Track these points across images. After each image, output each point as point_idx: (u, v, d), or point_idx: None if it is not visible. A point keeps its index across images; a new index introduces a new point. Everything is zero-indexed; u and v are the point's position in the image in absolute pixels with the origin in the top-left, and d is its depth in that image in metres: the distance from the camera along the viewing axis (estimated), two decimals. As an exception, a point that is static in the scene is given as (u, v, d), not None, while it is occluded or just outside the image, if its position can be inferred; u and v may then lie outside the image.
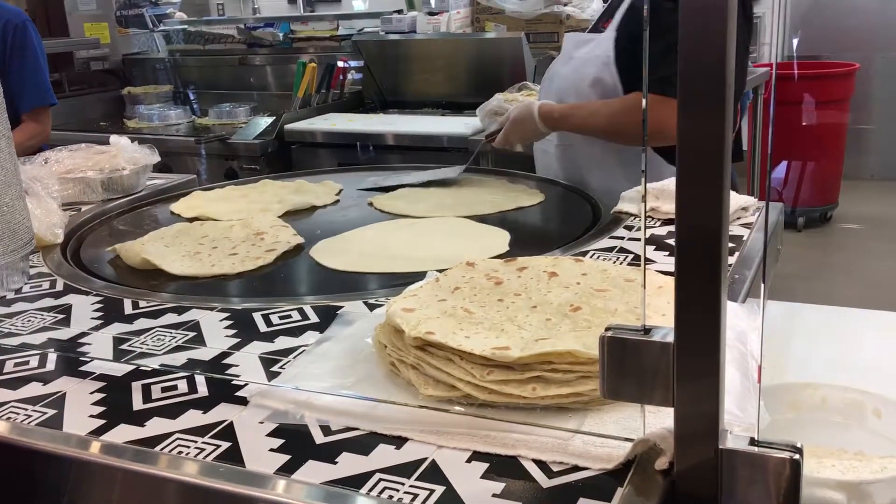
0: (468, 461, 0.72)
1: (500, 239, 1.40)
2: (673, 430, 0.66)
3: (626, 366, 0.66)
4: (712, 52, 0.57)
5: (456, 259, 1.06)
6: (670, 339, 0.65)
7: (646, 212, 1.41)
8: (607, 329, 0.66)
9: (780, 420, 0.88)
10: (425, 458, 0.73)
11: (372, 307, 1.09)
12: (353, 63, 3.75)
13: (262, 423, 0.80)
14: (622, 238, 1.34)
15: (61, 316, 1.11)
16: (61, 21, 4.00)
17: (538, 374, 0.77)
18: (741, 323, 0.93)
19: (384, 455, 0.74)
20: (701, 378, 0.64)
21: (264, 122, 3.33)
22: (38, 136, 2.52)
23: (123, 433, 0.80)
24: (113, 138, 1.84)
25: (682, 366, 0.64)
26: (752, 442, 0.64)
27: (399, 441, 0.76)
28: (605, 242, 1.32)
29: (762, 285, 0.72)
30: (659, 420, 0.70)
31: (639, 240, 1.31)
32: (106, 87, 4.21)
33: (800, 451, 0.62)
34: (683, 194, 0.61)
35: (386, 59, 3.68)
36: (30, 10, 3.88)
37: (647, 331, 0.66)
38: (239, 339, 1.00)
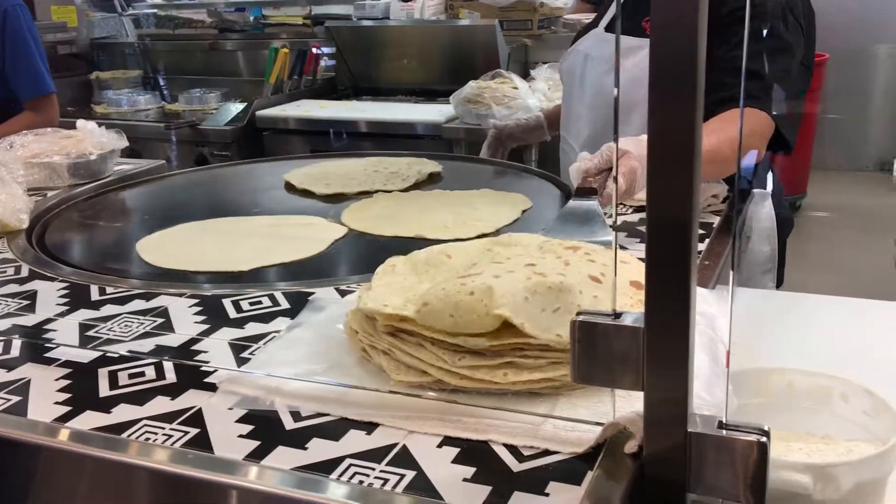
0: (439, 446, 0.72)
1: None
2: (643, 413, 0.66)
3: (597, 350, 0.66)
4: (684, 46, 0.57)
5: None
6: (640, 323, 0.65)
7: (617, 199, 1.42)
8: (578, 314, 0.66)
9: (748, 405, 0.89)
10: (396, 444, 0.73)
11: (343, 293, 1.08)
12: (325, 49, 3.72)
13: (231, 409, 0.80)
14: (594, 225, 1.34)
15: (26, 302, 1.09)
16: (27, 3, 3.92)
17: (510, 359, 0.77)
18: (711, 308, 0.93)
19: (355, 440, 0.73)
20: (670, 362, 0.64)
21: (235, 108, 3.29)
22: (39, 125, 2.45)
23: (90, 420, 0.79)
24: (80, 123, 1.81)
25: (652, 350, 0.64)
26: (721, 425, 0.64)
27: (370, 427, 0.76)
28: (578, 229, 1.32)
29: (731, 272, 0.72)
30: (629, 404, 0.70)
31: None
32: (73, 71, 4.14)
33: (767, 433, 0.62)
34: (654, 183, 0.61)
35: (359, 45, 3.65)
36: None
37: (617, 315, 0.66)
38: (208, 326, 0.99)
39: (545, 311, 0.77)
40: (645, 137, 0.58)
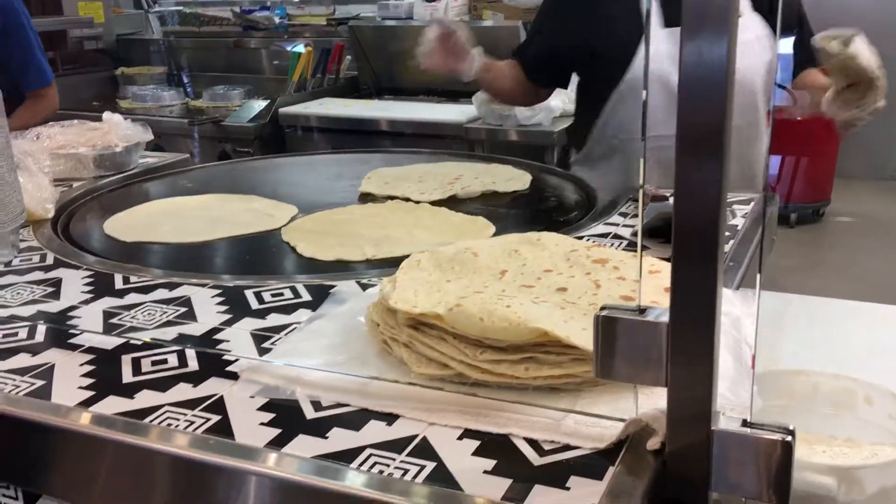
0: (459, 438, 0.72)
1: (481, 226, 1.36)
2: (666, 410, 0.66)
3: (620, 346, 0.66)
4: (714, 45, 0.57)
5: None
6: (665, 319, 0.64)
7: (643, 193, 1.41)
8: (602, 308, 0.66)
9: (771, 406, 0.88)
10: (416, 435, 0.72)
11: (364, 287, 1.08)
12: (348, 48, 3.73)
13: (252, 397, 0.80)
14: (617, 224, 1.33)
15: (51, 289, 1.10)
16: (55, -2, 3.97)
17: (531, 354, 0.77)
18: (735, 310, 0.92)
19: (375, 431, 0.73)
20: (695, 359, 0.64)
21: (258, 105, 3.31)
22: (42, 112, 2.48)
23: (112, 405, 0.79)
24: (106, 115, 1.82)
25: (676, 346, 0.64)
26: (745, 424, 0.64)
27: (390, 418, 0.76)
28: (600, 229, 1.31)
29: (758, 274, 0.72)
30: (652, 401, 0.70)
31: (633, 226, 1.31)
32: (99, 67, 4.18)
33: (792, 433, 0.62)
34: (682, 177, 0.61)
35: (382, 44, 3.66)
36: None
37: (641, 311, 0.66)
38: (230, 316, 1.00)
39: (586, 330, 0.76)
40: None
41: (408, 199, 1.52)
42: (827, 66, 1.52)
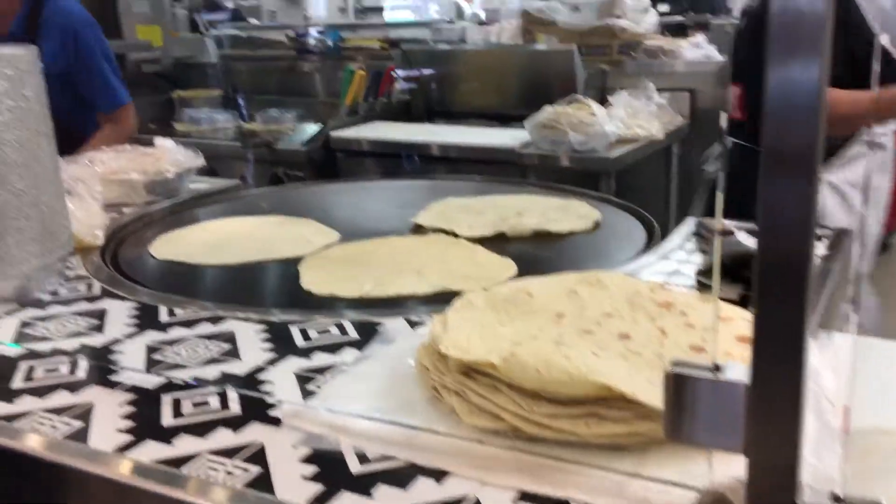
0: (514, 501, 0.66)
1: (499, 268, 1.29)
2: (744, 480, 0.59)
3: (693, 406, 0.60)
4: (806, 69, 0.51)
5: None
6: (744, 378, 0.58)
7: (720, 229, 1.35)
8: (673, 364, 0.60)
9: (853, 469, 0.81)
10: (467, 496, 0.67)
11: (413, 324, 1.04)
12: (400, 72, 3.73)
13: (295, 446, 0.76)
14: (679, 261, 1.27)
15: (96, 321, 1.08)
16: (115, 23, 4.05)
17: (592, 409, 0.71)
18: (812, 359, 0.85)
19: (424, 489, 0.68)
20: (778, 424, 0.58)
21: (311, 128, 3.32)
22: (115, 136, 2.45)
23: (151, 450, 0.76)
24: (158, 140, 1.83)
25: (757, 409, 0.58)
26: (835, 498, 0.57)
27: (440, 474, 0.71)
28: (661, 266, 1.25)
29: (850, 313, 0.65)
30: (727, 467, 0.64)
31: (697, 263, 1.24)
32: (156, 90, 4.25)
33: (889, 511, 0.55)
34: (769, 206, 0.54)
35: (434, 68, 3.65)
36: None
37: (717, 368, 0.60)
38: (275, 355, 0.96)
39: (652, 384, 0.70)
40: None
41: (454, 234, 1.47)
42: None
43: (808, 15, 0.50)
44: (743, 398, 0.58)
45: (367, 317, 1.07)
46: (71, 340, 1.02)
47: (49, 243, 1.16)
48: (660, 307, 0.87)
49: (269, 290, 1.32)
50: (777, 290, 0.55)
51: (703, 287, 1.15)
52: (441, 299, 1.06)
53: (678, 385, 0.60)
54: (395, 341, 0.97)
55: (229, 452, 0.75)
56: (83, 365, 0.95)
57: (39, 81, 1.17)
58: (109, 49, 2.57)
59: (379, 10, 6.33)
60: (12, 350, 1.00)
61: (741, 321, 0.83)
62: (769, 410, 0.58)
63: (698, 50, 3.39)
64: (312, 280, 1.25)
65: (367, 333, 1.01)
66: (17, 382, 0.91)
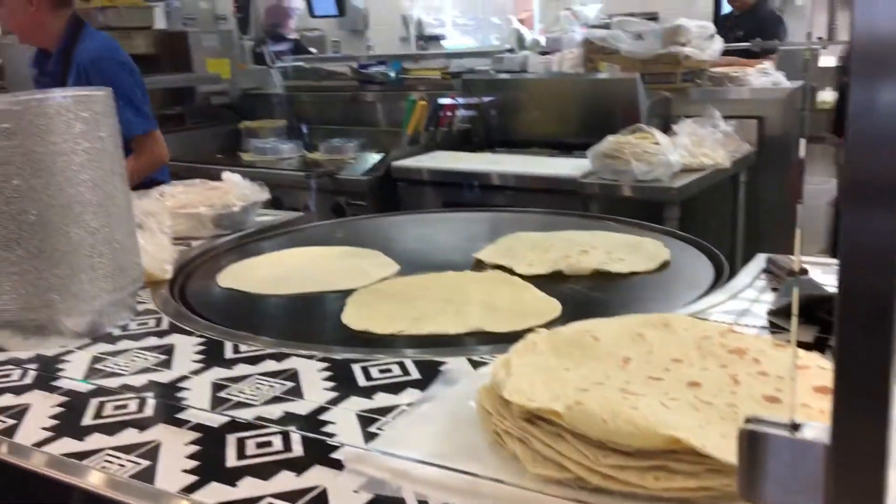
0: (580, 557, 0.65)
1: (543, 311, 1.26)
2: (824, 544, 0.57)
3: (769, 465, 0.58)
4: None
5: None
6: (824, 438, 0.56)
7: (778, 265, 1.31)
8: (747, 421, 0.58)
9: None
10: (532, 549, 0.66)
11: (476, 364, 1.03)
12: (462, 101, 3.75)
13: (357, 491, 0.75)
14: (750, 300, 1.23)
15: (163, 357, 1.10)
16: (186, 57, 4.18)
17: (661, 462, 0.69)
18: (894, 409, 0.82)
19: (487, 542, 0.67)
20: (860, 485, 0.55)
21: (373, 158, 3.36)
22: (141, 164, 2.48)
23: (215, 493, 0.76)
24: (225, 175, 1.87)
25: (839, 472, 0.55)
26: (923, 569, 0.54)
27: (503, 525, 0.69)
28: (730, 305, 1.21)
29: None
30: (805, 529, 0.61)
31: (769, 303, 1.20)
32: (225, 120, 4.37)
33: None
34: (852, 242, 0.51)
35: (495, 97, 3.65)
36: (156, 48, 4.07)
37: (795, 427, 0.57)
38: (337, 394, 0.96)
39: (725, 437, 0.68)
40: None
41: (511, 271, 1.45)
42: None
43: (892, 38, 0.47)
44: (822, 458, 0.56)
45: (429, 356, 1.06)
46: (139, 377, 1.04)
47: (121, 279, 1.19)
48: (731, 354, 0.85)
49: (328, 323, 1.32)
50: (859, 333, 0.52)
51: (775, 328, 1.11)
52: (504, 339, 1.05)
53: (753, 443, 0.58)
54: (458, 382, 0.96)
55: (292, 496, 0.75)
56: (151, 402, 0.97)
57: (114, 122, 1.21)
58: (128, 79, 2.52)
59: (440, 38, 6.40)
60: (84, 386, 1.02)
61: (817, 369, 0.80)
62: (851, 471, 0.55)
63: (766, 77, 3.32)
64: (352, 315, 1.26)
65: (429, 373, 1.00)
66: (87, 419, 0.93)
